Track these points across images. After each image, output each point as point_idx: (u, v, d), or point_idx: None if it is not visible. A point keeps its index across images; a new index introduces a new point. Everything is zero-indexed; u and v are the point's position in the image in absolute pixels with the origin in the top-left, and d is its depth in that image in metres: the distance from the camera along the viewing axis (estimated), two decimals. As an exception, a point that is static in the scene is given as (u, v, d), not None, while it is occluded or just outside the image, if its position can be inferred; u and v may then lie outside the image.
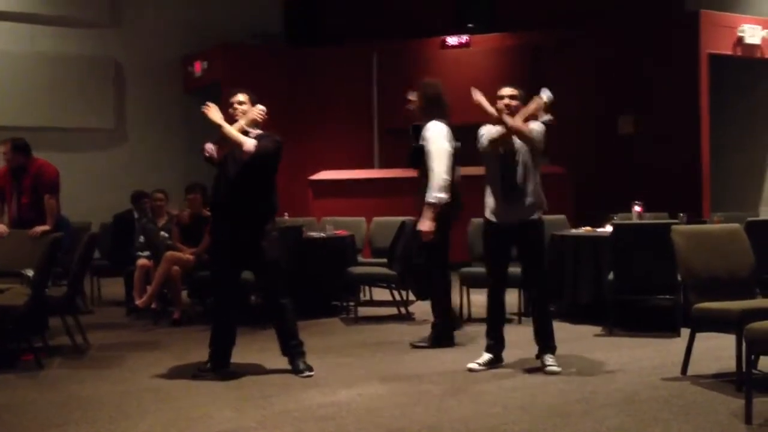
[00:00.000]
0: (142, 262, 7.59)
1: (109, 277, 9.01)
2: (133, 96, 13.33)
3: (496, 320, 5.41)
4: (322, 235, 7.87)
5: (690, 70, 10.81)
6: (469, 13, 12.90)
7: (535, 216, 5.25)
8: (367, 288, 8.36)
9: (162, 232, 7.77)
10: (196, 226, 7.57)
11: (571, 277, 6.97)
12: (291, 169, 10.60)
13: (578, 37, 11.96)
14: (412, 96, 6.08)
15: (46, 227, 6.63)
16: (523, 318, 6.90)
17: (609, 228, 6.79)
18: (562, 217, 7.97)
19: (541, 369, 5.16)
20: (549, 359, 5.19)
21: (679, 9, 11.80)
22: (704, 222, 8.07)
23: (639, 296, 6.69)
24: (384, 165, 12.61)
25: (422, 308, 6.43)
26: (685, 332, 5.33)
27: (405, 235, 6.26)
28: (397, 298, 7.53)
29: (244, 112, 5.31)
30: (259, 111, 5.32)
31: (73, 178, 9.81)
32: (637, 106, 11.63)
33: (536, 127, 5.19)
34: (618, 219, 7.38)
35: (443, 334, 6.06)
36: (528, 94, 5.34)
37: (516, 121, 5.14)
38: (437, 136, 5.84)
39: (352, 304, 7.67)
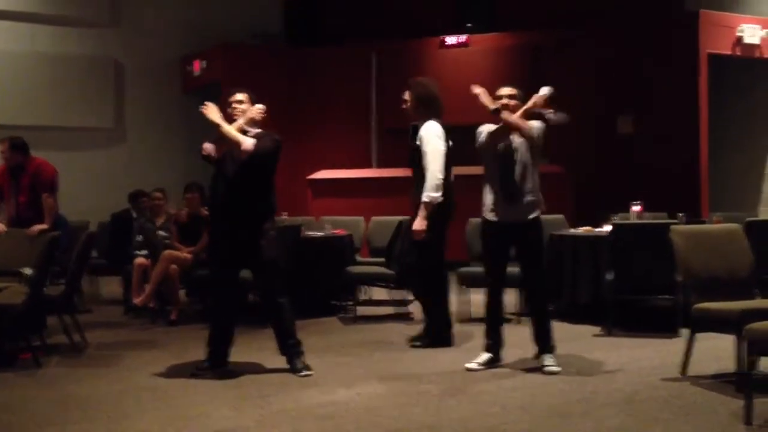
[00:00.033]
0: (140, 261, 7.58)
1: (107, 275, 9.02)
2: (132, 95, 13.32)
3: (494, 320, 5.40)
4: (321, 234, 7.87)
5: (689, 70, 10.80)
6: (469, 12, 12.89)
7: (534, 215, 5.24)
8: (365, 287, 8.35)
9: (160, 231, 7.76)
10: (194, 225, 7.57)
11: (570, 276, 6.97)
12: (290, 168, 10.60)
13: (578, 37, 11.95)
14: (407, 95, 6.07)
15: (44, 226, 6.62)
16: (522, 318, 6.89)
17: (608, 228, 6.78)
18: (561, 216, 7.96)
19: (540, 369, 5.15)
20: (548, 359, 5.18)
21: (678, 9, 11.80)
22: (703, 222, 8.06)
23: (638, 296, 6.67)
24: (383, 165, 12.60)
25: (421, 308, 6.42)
26: (685, 332, 5.33)
27: (403, 235, 6.25)
28: (396, 297, 7.52)
29: (243, 112, 5.30)
30: (258, 110, 5.31)
31: (72, 177, 9.81)
32: (636, 106, 11.63)
33: (536, 125, 5.18)
34: (617, 219, 7.37)
35: (441, 334, 6.05)
36: (527, 93, 5.33)
37: (515, 117, 5.14)
38: (432, 136, 5.84)
39: (350, 303, 7.67)
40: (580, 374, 5.09)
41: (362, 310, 7.61)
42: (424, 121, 5.92)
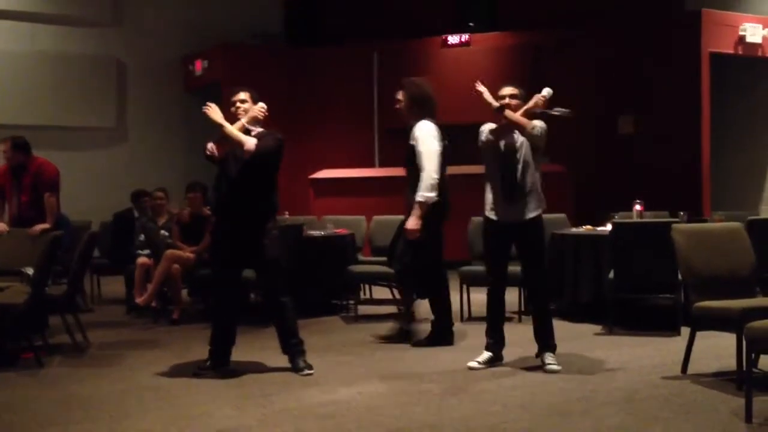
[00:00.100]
0: (142, 260, 7.59)
1: (109, 275, 9.02)
2: (133, 95, 13.33)
3: (496, 319, 5.41)
4: (323, 233, 7.88)
5: (691, 69, 10.81)
6: (470, 12, 12.91)
7: (535, 215, 5.24)
8: (367, 286, 8.37)
9: (162, 231, 7.77)
10: (197, 224, 7.58)
11: (572, 275, 6.97)
12: (292, 168, 10.61)
13: (578, 36, 11.97)
14: (400, 96, 6.08)
15: (45, 225, 6.64)
16: (523, 316, 6.90)
17: (609, 227, 6.79)
18: (562, 215, 7.97)
19: (541, 367, 5.16)
20: (549, 358, 5.19)
21: (679, 8, 11.81)
22: (705, 221, 8.07)
23: (639, 295, 6.68)
24: (384, 164, 12.60)
25: (423, 307, 6.42)
26: (686, 331, 5.34)
27: (403, 234, 6.27)
28: (397, 296, 7.52)
29: (246, 111, 5.31)
30: (260, 109, 5.32)
31: (74, 177, 9.82)
32: (637, 105, 11.64)
33: (538, 124, 5.19)
34: (619, 218, 7.37)
35: (442, 333, 6.06)
36: (528, 93, 5.34)
37: (517, 116, 5.15)
38: (427, 136, 5.84)
39: (352, 302, 7.67)
40: (581, 373, 5.10)
41: (364, 309, 7.61)
42: (418, 121, 5.93)
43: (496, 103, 5.19)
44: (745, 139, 11.62)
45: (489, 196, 5.31)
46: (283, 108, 10.92)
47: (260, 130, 5.29)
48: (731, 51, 10.97)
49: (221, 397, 4.68)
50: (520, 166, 5.19)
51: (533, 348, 5.32)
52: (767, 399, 4.19)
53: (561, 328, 5.87)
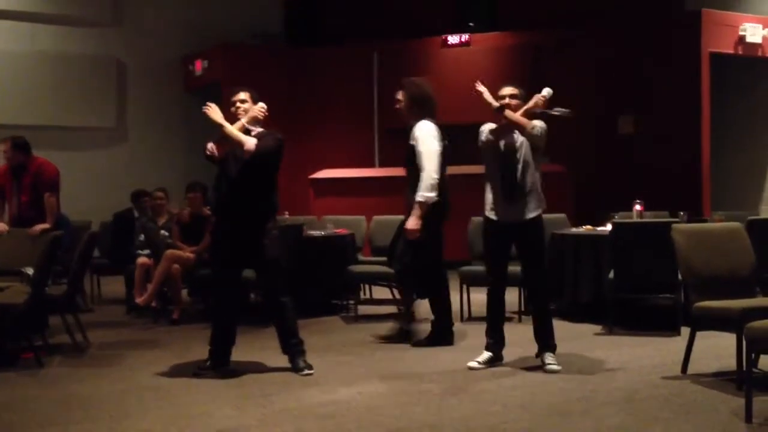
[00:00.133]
0: (142, 260, 7.59)
1: (109, 275, 9.02)
2: (133, 95, 13.33)
3: (496, 319, 5.41)
4: (323, 233, 7.88)
5: (691, 69, 10.81)
6: (470, 12, 12.91)
7: (535, 215, 5.24)
8: (367, 286, 8.37)
9: (162, 231, 7.77)
10: (197, 224, 7.58)
11: (572, 275, 6.97)
12: (292, 168, 10.61)
13: (578, 37, 11.97)
14: (400, 96, 6.08)
15: (45, 225, 6.64)
16: (523, 316, 6.90)
17: (609, 227, 6.79)
18: (562, 215, 7.97)
19: (541, 367, 5.16)
20: (549, 358, 5.19)
21: (678, 8, 11.81)
22: (705, 221, 8.07)
23: (639, 295, 6.68)
24: (384, 164, 12.61)
25: (423, 307, 6.42)
26: (686, 331, 5.34)
27: (403, 234, 6.27)
28: (397, 296, 7.51)
29: (246, 111, 5.31)
30: (260, 109, 5.32)
31: (74, 177, 9.82)
32: (637, 105, 11.64)
33: (539, 123, 5.19)
34: (619, 218, 7.37)
35: (442, 333, 6.06)
36: (528, 93, 5.34)
37: (518, 115, 5.15)
38: (427, 136, 5.84)
39: (352, 302, 7.67)
40: (581, 373, 5.10)
41: (364, 309, 7.61)
42: (418, 121, 5.93)
43: (496, 103, 5.19)
44: (745, 139, 11.62)
45: (489, 196, 5.32)
46: (283, 108, 10.92)
47: (260, 130, 5.29)
48: (731, 51, 10.98)
49: (221, 397, 4.68)
50: (520, 166, 5.19)
51: (533, 348, 5.32)
52: (767, 399, 4.18)
53: (561, 328, 5.87)
